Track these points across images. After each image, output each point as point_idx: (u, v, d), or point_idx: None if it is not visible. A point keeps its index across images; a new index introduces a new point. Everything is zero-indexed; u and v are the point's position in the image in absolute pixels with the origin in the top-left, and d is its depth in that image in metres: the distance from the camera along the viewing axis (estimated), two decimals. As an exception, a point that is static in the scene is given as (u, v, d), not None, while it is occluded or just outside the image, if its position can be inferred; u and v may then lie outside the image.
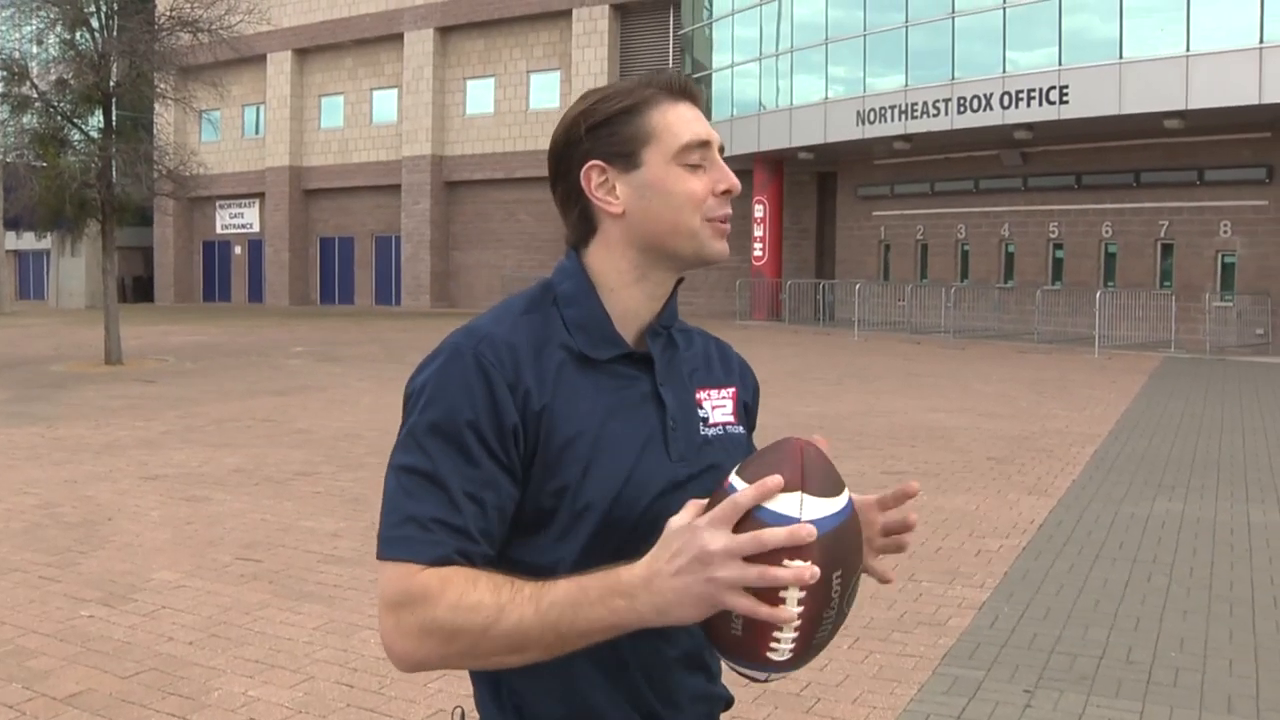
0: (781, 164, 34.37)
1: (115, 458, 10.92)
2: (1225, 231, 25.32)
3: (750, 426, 1.78)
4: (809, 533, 1.33)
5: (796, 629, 1.38)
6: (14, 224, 34.87)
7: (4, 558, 7.13)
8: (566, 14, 40.68)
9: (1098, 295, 24.86)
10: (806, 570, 1.32)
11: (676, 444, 1.61)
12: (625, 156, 1.60)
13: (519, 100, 42.50)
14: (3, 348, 25.28)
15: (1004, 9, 26.33)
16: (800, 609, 1.36)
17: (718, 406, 1.70)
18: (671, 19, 38.96)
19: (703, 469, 1.63)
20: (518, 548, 1.54)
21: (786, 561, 1.33)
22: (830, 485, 1.41)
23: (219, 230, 50.66)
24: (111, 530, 7.91)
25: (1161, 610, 6.21)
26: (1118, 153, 26.72)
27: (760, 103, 33.28)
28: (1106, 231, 27.56)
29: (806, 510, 1.37)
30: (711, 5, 35.71)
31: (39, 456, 11.00)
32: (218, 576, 6.68)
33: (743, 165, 34.80)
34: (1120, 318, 25.56)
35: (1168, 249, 26.63)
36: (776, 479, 1.36)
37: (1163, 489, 9.54)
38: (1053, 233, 28.69)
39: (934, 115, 27.40)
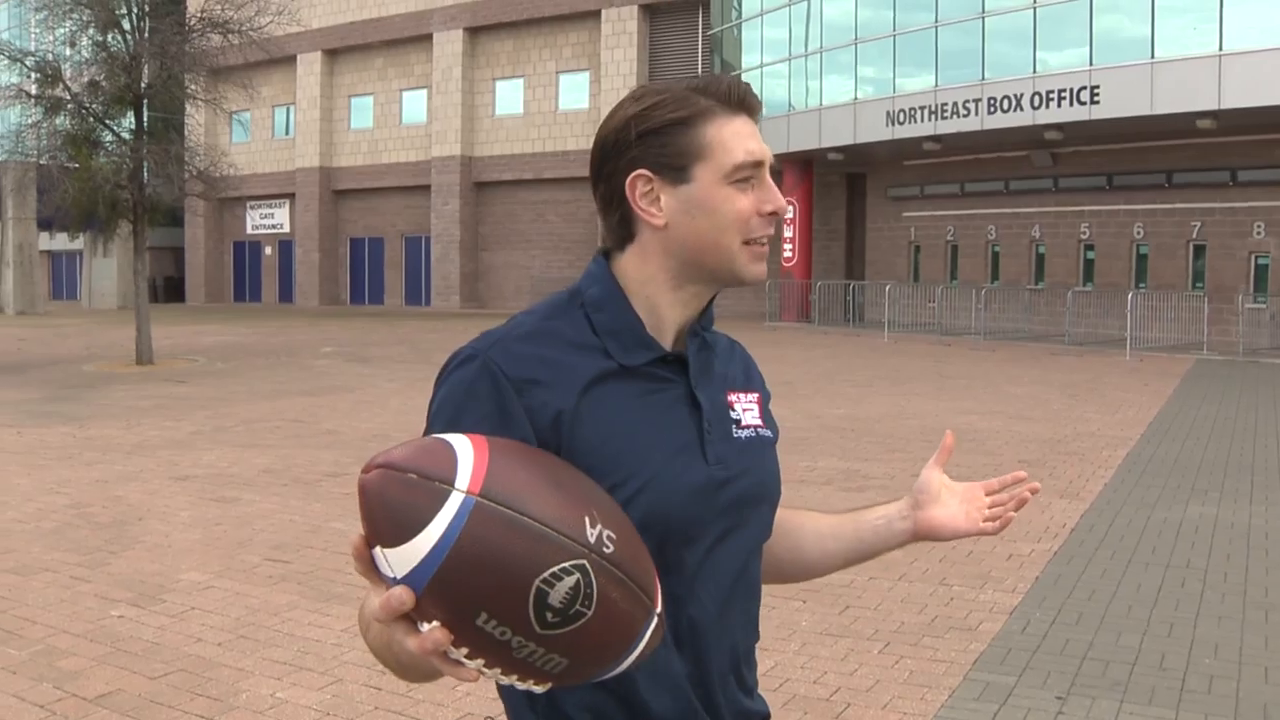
0: (811, 165, 34.27)
1: (145, 458, 10.97)
2: (1259, 233, 25.11)
3: (777, 431, 1.76)
4: (400, 601, 1.20)
5: (504, 673, 1.25)
6: (47, 225, 35.16)
7: (36, 557, 7.17)
8: (595, 14, 40.71)
9: (1129, 297, 24.68)
10: (429, 639, 1.20)
11: (713, 446, 1.59)
12: (675, 169, 1.55)
13: (548, 101, 42.55)
14: (36, 348, 25.46)
15: (1034, 9, 26.19)
16: (479, 661, 1.23)
17: (747, 409, 1.69)
18: (700, 19, 38.96)
19: (740, 471, 1.61)
20: None
21: (421, 625, 1.21)
22: (401, 528, 1.21)
23: (249, 231, 50.92)
24: (141, 530, 7.94)
25: (1195, 616, 6.14)
26: (1149, 153, 26.54)
27: (790, 103, 33.20)
28: (1138, 232, 27.39)
29: (395, 565, 1.21)
30: (740, 6, 35.65)
31: (70, 456, 11.06)
32: (247, 577, 6.70)
33: (772, 166, 34.73)
34: (1152, 319, 25.37)
35: (1200, 250, 26.44)
36: (356, 539, 1.25)
37: (1196, 493, 9.44)
38: (1084, 234, 28.52)
39: (964, 116, 27.28)
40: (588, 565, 1.23)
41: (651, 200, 1.56)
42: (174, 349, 23.90)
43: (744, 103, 1.59)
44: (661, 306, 1.60)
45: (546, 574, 1.20)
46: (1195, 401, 15.70)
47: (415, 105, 46.09)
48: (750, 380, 1.75)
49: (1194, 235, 26.32)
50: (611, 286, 1.59)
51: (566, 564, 1.21)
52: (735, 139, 1.56)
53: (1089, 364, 21.51)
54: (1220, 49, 22.64)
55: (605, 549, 1.25)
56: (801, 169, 34.16)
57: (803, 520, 1.89)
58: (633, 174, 1.56)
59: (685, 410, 1.58)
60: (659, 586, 1.36)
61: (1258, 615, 6.17)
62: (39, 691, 4.88)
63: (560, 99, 42.42)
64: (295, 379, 18.49)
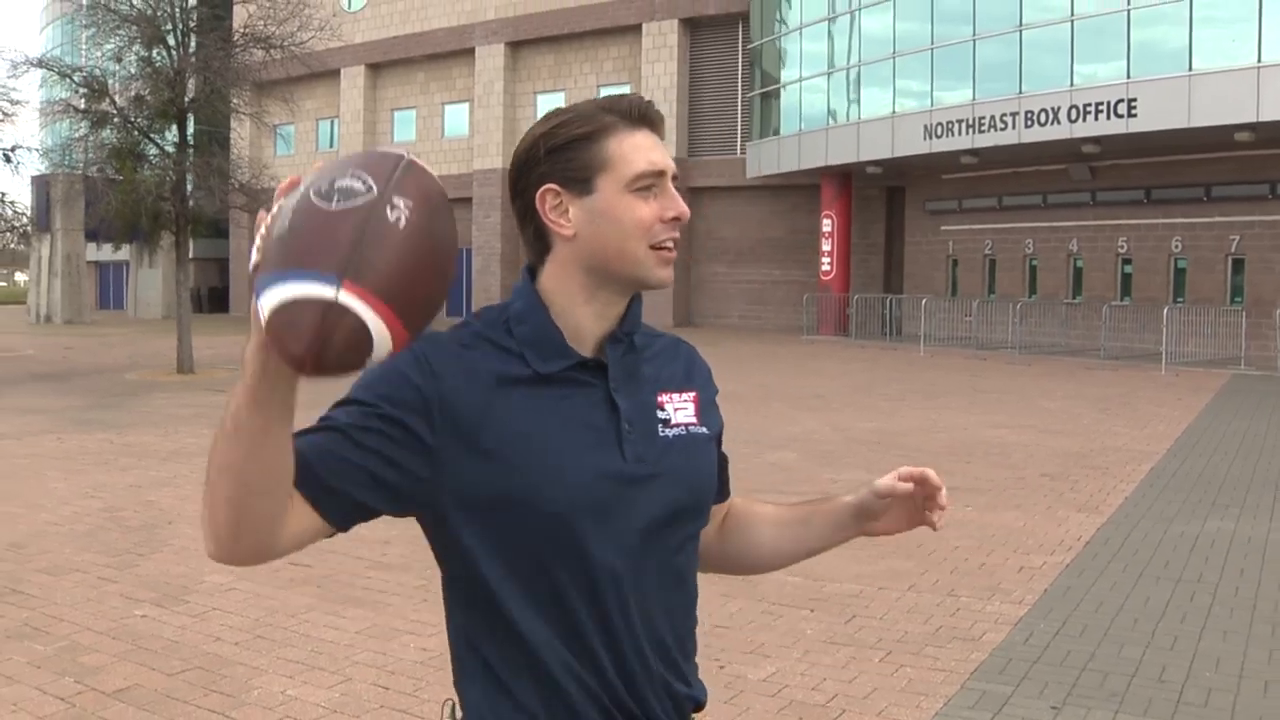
0: (850, 178, 34.31)
1: (180, 464, 11.19)
2: (1298, 246, 24.96)
3: (717, 426, 1.84)
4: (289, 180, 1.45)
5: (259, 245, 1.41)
6: (94, 236, 35.72)
7: (67, 558, 7.38)
8: (636, 29, 40.89)
9: (1165, 311, 24.57)
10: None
11: (633, 445, 1.67)
12: (580, 182, 1.65)
13: (589, 114, 42.73)
14: (82, 356, 25.87)
15: (1072, 22, 26.14)
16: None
17: (680, 409, 1.76)
18: (740, 33, 39.03)
19: (663, 469, 1.70)
20: (478, 543, 1.63)
21: None
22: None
23: (293, 242, 51.37)
24: (171, 534, 8.14)
25: (1201, 630, 6.18)
26: (1187, 166, 26.40)
27: (829, 117, 33.25)
28: (1176, 246, 27.24)
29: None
30: (781, 19, 35.76)
31: (107, 462, 11.31)
32: (268, 580, 6.87)
33: (810, 179, 34.77)
34: (1189, 334, 25.24)
35: (1238, 264, 26.25)
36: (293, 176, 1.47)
37: (1216, 508, 9.45)
38: (1121, 248, 28.39)
39: (1001, 129, 27.23)
40: (375, 203, 1.38)
41: (561, 212, 1.66)
42: (215, 358, 24.23)
43: (645, 117, 1.69)
44: (580, 318, 1.69)
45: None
46: (1227, 417, 15.64)
47: (457, 119, 46.44)
48: (690, 379, 1.82)
49: (1233, 249, 26.15)
50: (533, 300, 1.70)
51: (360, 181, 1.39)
52: (636, 151, 1.66)
53: (1124, 378, 21.43)
54: (1259, 60, 22.50)
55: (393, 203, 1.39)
56: (840, 183, 34.20)
57: (759, 513, 1.98)
58: (542, 188, 1.66)
59: (604, 412, 1.67)
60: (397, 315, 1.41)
61: (1264, 629, 6.20)
62: (60, 685, 5.06)
63: (601, 113, 42.58)
64: (332, 387, 18.52)
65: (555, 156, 1.66)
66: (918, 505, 1.88)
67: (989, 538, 8.25)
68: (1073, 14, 26.14)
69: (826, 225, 34.43)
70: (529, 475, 1.60)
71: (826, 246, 34.43)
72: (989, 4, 28.11)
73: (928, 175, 32.90)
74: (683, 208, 1.69)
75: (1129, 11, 24.97)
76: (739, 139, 39.07)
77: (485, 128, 44.38)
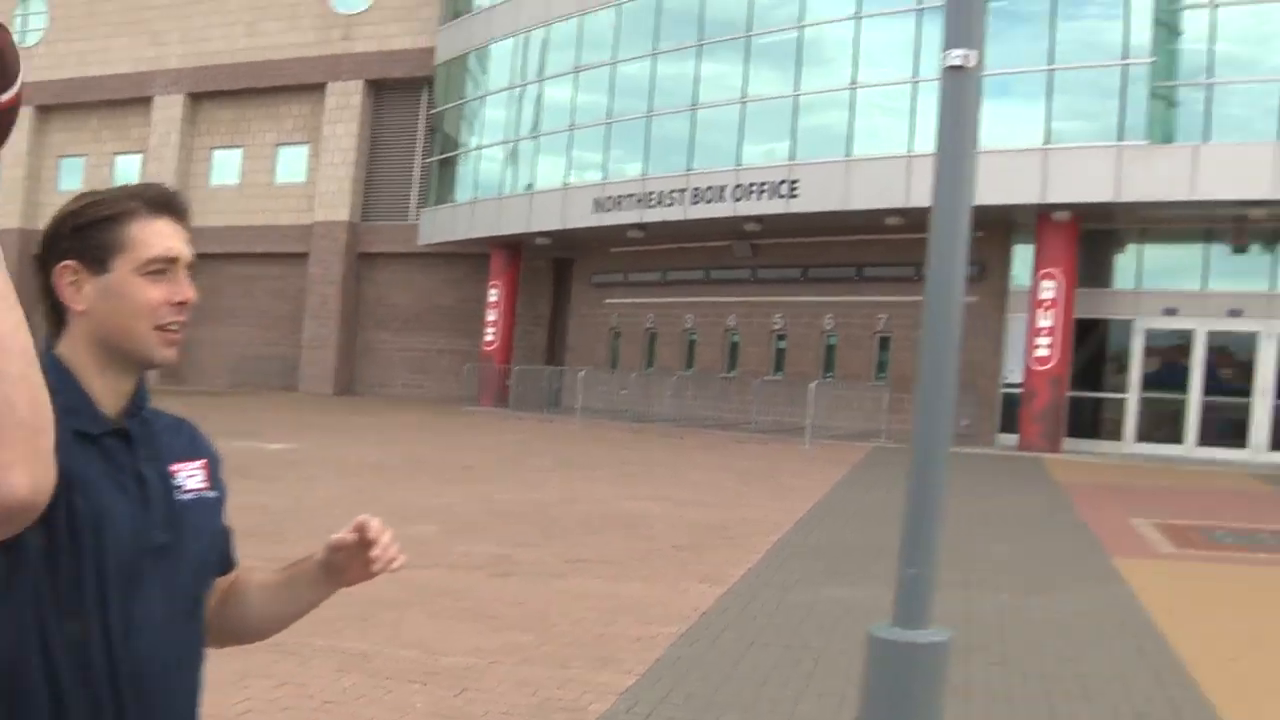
0: (520, 249, 34.67)
1: None
2: (936, 327, 26.68)
3: (224, 494, 1.95)
4: None
5: None
6: None
7: None
8: (320, 88, 40.24)
9: (811, 386, 25.83)
10: None
11: (155, 512, 1.76)
12: (98, 261, 1.75)
13: (265, 174, 41.79)
14: None
15: (743, 103, 27.40)
16: None
17: (191, 476, 1.87)
18: (425, 98, 39.01)
19: (180, 533, 1.79)
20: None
21: None
22: None
23: (-64, 292, 47.95)
24: None
25: (800, 694, 6.47)
26: (842, 247, 27.93)
27: (503, 186, 33.57)
28: (828, 324, 28.73)
29: None
30: (470, 85, 35.95)
31: None
32: None
33: (480, 249, 34.94)
34: (837, 408, 26.59)
35: (885, 341, 27.91)
36: None
37: (836, 576, 9.94)
38: (777, 324, 29.71)
39: (669, 205, 28.17)
40: None
41: (76, 289, 1.75)
42: None
43: (169, 206, 1.82)
44: (95, 390, 1.76)
45: None
46: (860, 489, 16.54)
47: (128, 171, 44.37)
48: (196, 450, 1.92)
49: (880, 327, 27.80)
50: (61, 373, 1.72)
51: None
52: (155, 237, 1.78)
53: (770, 451, 22.39)
54: (910, 150, 24.12)
55: None
56: (510, 253, 34.50)
57: (251, 580, 2.06)
58: (61, 264, 1.75)
59: (132, 480, 1.75)
60: None
61: (856, 691, 6.54)
62: None
63: (278, 171, 41.74)
64: None
65: (78, 235, 1.76)
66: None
67: (610, 609, 8.41)
68: (744, 96, 27.39)
69: (493, 295, 34.62)
70: (76, 524, 1.65)
71: (491, 316, 34.61)
72: (666, 81, 29.15)
73: (597, 248, 33.52)
74: (189, 293, 1.82)
75: (797, 97, 26.41)
76: (414, 205, 38.94)
77: (157, 181, 42.67)
